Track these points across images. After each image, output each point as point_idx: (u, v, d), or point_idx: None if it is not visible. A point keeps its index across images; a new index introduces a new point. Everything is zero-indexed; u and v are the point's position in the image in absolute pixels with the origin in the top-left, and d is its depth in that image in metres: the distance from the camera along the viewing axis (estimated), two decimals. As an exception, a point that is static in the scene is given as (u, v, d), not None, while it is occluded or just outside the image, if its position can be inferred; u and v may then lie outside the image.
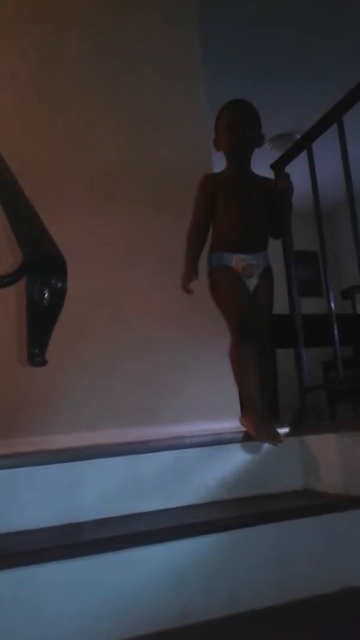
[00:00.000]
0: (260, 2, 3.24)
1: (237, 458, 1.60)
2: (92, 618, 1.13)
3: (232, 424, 1.75)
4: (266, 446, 1.63)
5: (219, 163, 2.20)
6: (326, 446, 1.59)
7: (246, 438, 1.67)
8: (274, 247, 2.05)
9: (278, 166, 2.21)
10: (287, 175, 1.98)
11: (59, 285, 1.06)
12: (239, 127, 1.95)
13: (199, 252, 1.94)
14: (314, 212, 2.04)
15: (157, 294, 2.14)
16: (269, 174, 2.16)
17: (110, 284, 2.13)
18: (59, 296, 1.06)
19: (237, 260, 1.90)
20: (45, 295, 1.06)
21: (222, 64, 1.97)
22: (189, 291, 1.87)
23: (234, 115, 1.97)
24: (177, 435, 1.63)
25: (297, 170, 2.09)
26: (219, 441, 1.62)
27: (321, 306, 2.15)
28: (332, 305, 1.99)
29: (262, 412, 1.74)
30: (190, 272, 1.88)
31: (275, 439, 1.64)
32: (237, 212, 1.95)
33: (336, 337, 1.93)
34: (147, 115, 2.36)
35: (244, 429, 1.72)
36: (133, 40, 2.40)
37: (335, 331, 1.93)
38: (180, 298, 2.00)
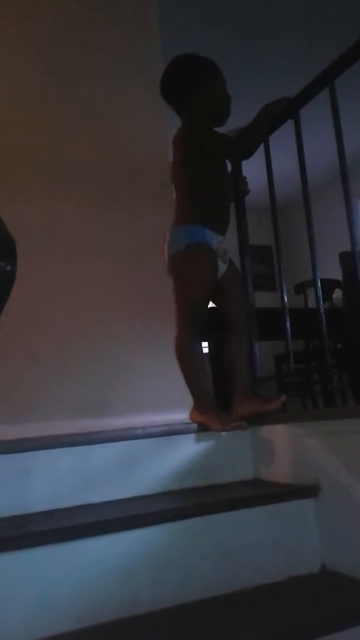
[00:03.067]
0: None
1: (188, 449, 1.60)
2: (39, 610, 1.12)
3: (184, 415, 1.75)
4: (217, 437, 1.64)
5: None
6: (276, 436, 1.61)
7: (201, 429, 1.67)
8: (229, 241, 2.06)
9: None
10: (246, 180, 2.00)
11: (8, 268, 1.04)
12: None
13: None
14: (270, 207, 2.06)
15: (110, 285, 2.13)
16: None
17: (63, 273, 2.10)
18: (7, 279, 1.04)
19: (218, 241, 1.81)
20: (-7, 278, 1.03)
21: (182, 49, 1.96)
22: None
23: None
24: (128, 426, 1.62)
25: (253, 166, 2.10)
26: (170, 432, 1.62)
27: (274, 300, 2.17)
28: (285, 299, 2.01)
29: (215, 405, 1.74)
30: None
31: (241, 426, 1.62)
32: (218, 184, 1.86)
33: (288, 330, 1.96)
34: (103, 105, 2.34)
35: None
36: (89, 28, 2.37)
37: (288, 325, 1.96)
38: (131, 290, 2.00)
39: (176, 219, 1.86)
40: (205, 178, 1.86)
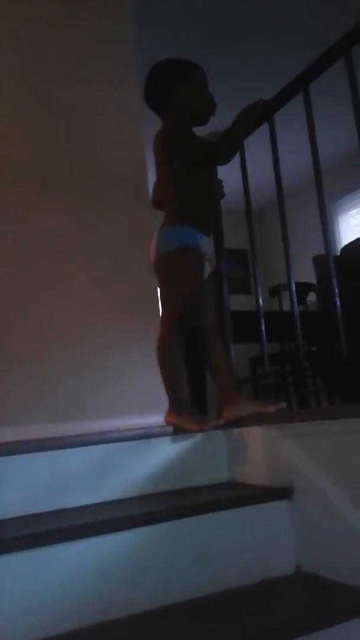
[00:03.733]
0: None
1: (164, 452, 1.60)
2: (11, 617, 1.10)
3: (160, 418, 1.75)
4: (192, 440, 1.64)
5: (151, 159, 2.20)
6: (251, 439, 1.62)
7: (177, 432, 1.67)
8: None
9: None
10: (222, 183, 2.01)
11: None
12: None
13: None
14: (245, 210, 2.08)
15: (87, 290, 2.12)
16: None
17: (38, 278, 2.08)
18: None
19: (206, 244, 1.82)
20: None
21: (157, 57, 1.97)
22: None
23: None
24: (104, 430, 1.62)
25: (228, 169, 2.12)
26: (146, 435, 1.61)
27: (250, 303, 2.19)
28: (260, 302, 2.03)
29: (190, 407, 1.74)
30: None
31: (216, 425, 1.63)
32: (207, 185, 1.87)
33: (263, 333, 1.97)
34: (80, 111, 2.33)
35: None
36: (67, 40, 2.36)
37: (263, 328, 1.97)
38: (108, 294, 1.99)
39: (166, 219, 1.84)
40: (193, 178, 1.85)
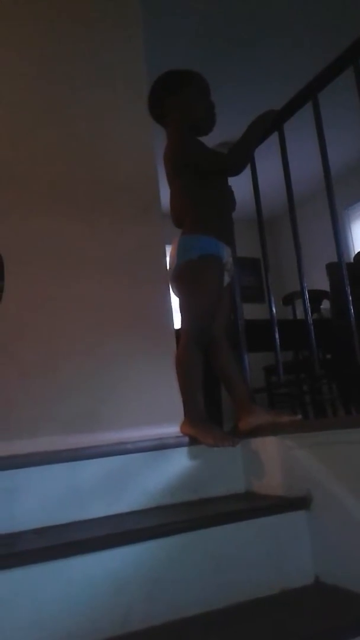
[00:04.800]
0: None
1: (179, 463, 1.59)
2: (30, 630, 1.10)
3: (174, 428, 1.74)
4: (208, 450, 1.63)
5: (163, 171, 2.21)
6: (267, 449, 1.60)
7: (193, 443, 1.66)
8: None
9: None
10: (232, 192, 2.01)
11: (-3, 284, 1.03)
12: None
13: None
14: (257, 219, 2.08)
15: (99, 299, 2.12)
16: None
17: (52, 288, 2.09)
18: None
19: (227, 254, 1.80)
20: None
21: (167, 65, 1.98)
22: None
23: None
24: (118, 441, 1.61)
25: (239, 178, 2.12)
26: (161, 446, 1.61)
27: (263, 312, 2.18)
28: (274, 311, 2.02)
29: (207, 418, 1.72)
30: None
31: (233, 442, 1.61)
32: (222, 194, 1.86)
33: (277, 342, 1.96)
34: (90, 118, 2.34)
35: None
36: (76, 45, 2.38)
37: (277, 336, 1.96)
38: (120, 304, 1.99)
39: (188, 228, 1.82)
40: (207, 188, 1.85)
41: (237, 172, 1.85)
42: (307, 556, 1.38)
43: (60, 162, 2.22)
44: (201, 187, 1.84)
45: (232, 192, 1.99)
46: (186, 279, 1.77)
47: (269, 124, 1.89)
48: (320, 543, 1.38)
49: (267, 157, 2.13)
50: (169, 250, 2.22)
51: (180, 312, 1.80)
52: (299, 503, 1.41)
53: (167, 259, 2.21)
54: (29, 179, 2.16)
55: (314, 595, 1.31)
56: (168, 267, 1.84)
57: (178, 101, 1.91)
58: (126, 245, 2.20)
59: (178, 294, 1.82)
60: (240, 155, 1.84)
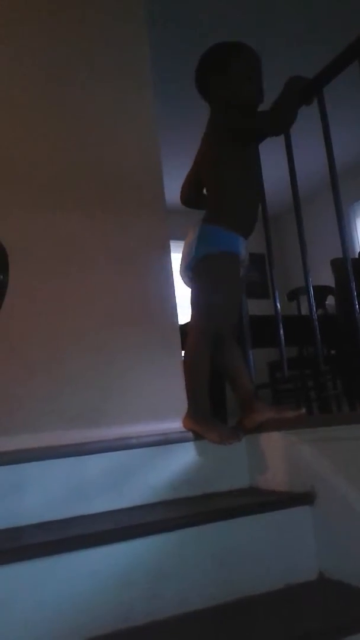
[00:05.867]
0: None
1: (183, 458, 1.59)
2: (33, 624, 1.10)
3: (178, 424, 1.74)
4: (212, 445, 1.63)
5: (167, 163, 2.20)
6: (271, 444, 1.60)
7: (197, 438, 1.65)
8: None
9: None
10: None
11: (0, 277, 1.03)
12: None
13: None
14: (262, 215, 2.07)
15: (105, 295, 2.12)
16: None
17: (57, 283, 2.09)
18: None
19: (244, 249, 1.77)
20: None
21: (171, 62, 1.97)
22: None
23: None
24: (123, 436, 1.61)
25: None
26: (165, 441, 1.61)
27: (268, 307, 2.17)
28: (278, 306, 2.02)
29: (210, 415, 1.72)
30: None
31: (239, 437, 1.61)
32: (250, 183, 1.82)
33: (282, 338, 1.96)
34: (95, 115, 2.34)
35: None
36: (80, 42, 2.37)
37: (281, 332, 1.96)
38: (124, 299, 1.99)
39: (209, 215, 1.79)
40: (241, 176, 1.81)
41: (280, 128, 1.79)
42: (311, 551, 1.38)
43: (65, 159, 2.22)
44: (236, 171, 1.80)
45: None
46: (205, 274, 1.74)
47: (300, 86, 1.80)
48: (324, 538, 1.38)
49: (272, 153, 2.12)
50: (173, 246, 2.23)
51: (194, 306, 1.77)
52: (303, 498, 1.41)
53: (172, 253, 2.22)
54: (34, 175, 2.15)
55: (318, 591, 1.31)
56: (182, 255, 1.80)
57: (224, 83, 1.84)
58: (131, 240, 2.19)
59: (194, 288, 1.79)
60: (283, 111, 1.77)
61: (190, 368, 1.74)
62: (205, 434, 1.63)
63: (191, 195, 2.03)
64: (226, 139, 1.82)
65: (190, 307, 1.81)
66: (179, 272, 1.85)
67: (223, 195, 1.81)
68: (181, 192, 2.05)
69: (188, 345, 1.76)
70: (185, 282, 1.84)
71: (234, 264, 1.75)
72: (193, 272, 1.77)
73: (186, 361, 1.76)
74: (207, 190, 1.91)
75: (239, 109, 1.82)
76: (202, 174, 1.91)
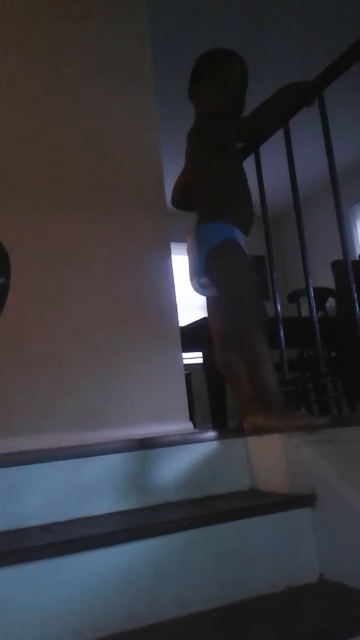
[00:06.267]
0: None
1: (183, 460, 1.59)
2: (34, 626, 1.10)
3: (180, 425, 1.74)
4: (213, 447, 1.63)
5: (168, 164, 2.21)
6: (272, 446, 1.60)
7: (197, 440, 1.64)
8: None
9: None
10: None
11: (1, 280, 1.04)
12: None
13: None
14: (262, 217, 2.07)
15: (105, 296, 2.12)
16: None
17: (58, 284, 2.09)
18: (0, 292, 1.04)
19: (244, 241, 1.79)
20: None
21: (171, 64, 1.98)
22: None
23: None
24: (123, 438, 1.61)
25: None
26: (166, 443, 1.61)
27: (268, 309, 2.17)
28: (279, 308, 2.02)
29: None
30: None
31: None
32: (235, 180, 1.85)
33: (282, 339, 1.96)
34: (96, 115, 2.34)
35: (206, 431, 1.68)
36: (81, 41, 2.38)
37: (282, 334, 1.96)
38: (125, 300, 1.99)
39: (201, 215, 1.81)
40: (229, 174, 1.85)
41: (251, 134, 1.83)
42: (311, 554, 1.38)
43: (65, 159, 2.22)
44: (222, 171, 1.84)
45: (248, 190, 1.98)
46: (217, 267, 1.73)
47: (302, 89, 1.83)
48: (325, 541, 1.38)
49: (272, 155, 2.13)
50: (173, 248, 2.23)
51: (226, 300, 1.74)
52: (303, 501, 1.41)
53: (173, 257, 2.22)
54: (34, 175, 2.15)
55: (318, 593, 1.31)
56: (189, 263, 1.82)
57: (212, 89, 1.88)
58: (131, 241, 2.19)
59: (215, 284, 1.77)
60: (259, 116, 1.81)
61: (259, 361, 1.65)
62: (289, 422, 1.52)
63: (182, 197, 2.05)
64: (205, 141, 1.87)
65: (222, 307, 1.81)
66: (190, 283, 1.86)
67: (210, 194, 1.83)
68: (172, 194, 2.08)
69: (243, 338, 1.69)
70: (196, 289, 1.84)
71: (238, 248, 1.75)
72: (207, 273, 1.77)
73: (248, 350, 1.68)
74: (193, 193, 1.92)
75: (210, 119, 1.88)
76: (189, 176, 1.94)
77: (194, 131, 1.90)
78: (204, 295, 1.91)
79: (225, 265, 1.73)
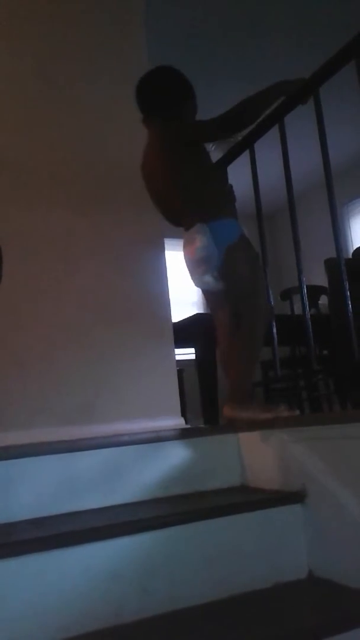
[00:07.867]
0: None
1: (175, 455, 1.59)
2: (23, 620, 1.10)
3: (170, 421, 1.75)
4: (205, 443, 1.63)
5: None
6: (263, 442, 1.61)
7: (187, 436, 1.65)
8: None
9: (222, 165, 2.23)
10: (231, 187, 2.00)
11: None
12: None
13: None
14: (255, 214, 2.07)
15: (98, 292, 2.12)
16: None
17: (51, 280, 2.09)
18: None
19: None
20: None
21: (171, 62, 1.97)
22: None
23: None
24: (114, 433, 1.61)
25: (238, 173, 2.11)
26: (157, 439, 1.61)
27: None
28: (272, 305, 2.02)
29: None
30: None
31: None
32: (225, 183, 1.95)
33: (275, 337, 1.96)
34: (91, 113, 2.33)
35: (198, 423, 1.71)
36: (79, 38, 2.37)
37: (274, 331, 1.96)
38: (118, 296, 1.98)
39: (210, 214, 1.78)
40: (218, 173, 1.93)
41: (232, 129, 1.79)
42: (301, 550, 1.38)
43: (62, 157, 2.21)
44: (214, 173, 1.90)
45: (231, 186, 1.99)
46: (239, 263, 1.75)
47: (296, 89, 1.82)
48: (314, 537, 1.38)
49: (266, 152, 2.13)
50: (167, 243, 2.23)
51: (240, 292, 1.76)
52: (293, 497, 1.42)
53: (166, 252, 2.21)
54: (30, 172, 2.15)
55: (307, 589, 1.32)
56: (196, 262, 1.77)
57: (191, 109, 1.94)
58: (125, 237, 2.19)
59: (234, 280, 1.77)
60: (236, 110, 1.78)
61: (252, 351, 1.74)
62: (257, 415, 1.64)
63: (173, 209, 2.01)
64: (189, 144, 1.85)
65: (229, 299, 1.80)
66: (193, 279, 1.83)
67: (210, 192, 1.84)
68: (164, 210, 2.00)
69: (244, 331, 1.74)
70: (200, 285, 1.82)
71: (249, 244, 1.80)
72: (221, 269, 1.75)
73: (242, 344, 1.74)
74: (181, 196, 1.87)
75: (190, 123, 1.92)
76: (167, 184, 1.91)
77: (174, 136, 1.86)
78: (208, 289, 1.86)
79: (245, 260, 1.77)
